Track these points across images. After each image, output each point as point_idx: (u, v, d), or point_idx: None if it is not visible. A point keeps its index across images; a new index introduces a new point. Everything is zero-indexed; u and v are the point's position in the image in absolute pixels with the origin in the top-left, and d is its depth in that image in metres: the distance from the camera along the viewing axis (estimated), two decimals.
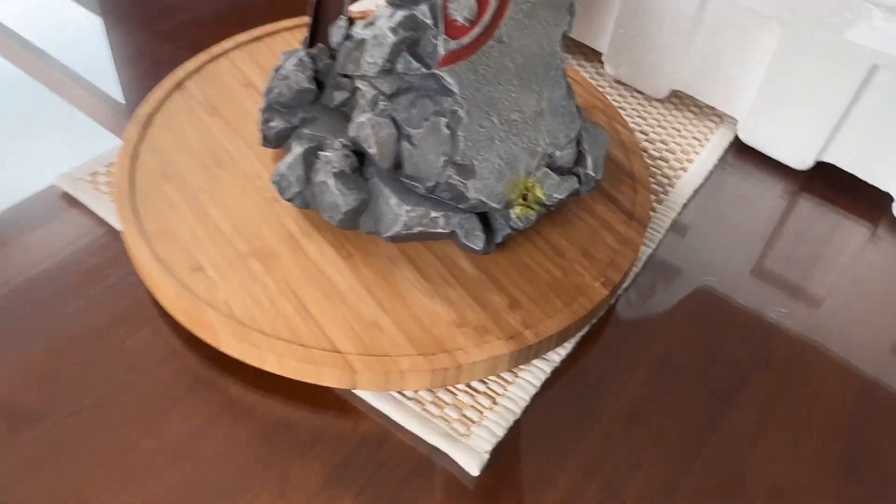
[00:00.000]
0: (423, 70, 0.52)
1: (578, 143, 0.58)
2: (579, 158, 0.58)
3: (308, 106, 0.61)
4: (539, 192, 0.56)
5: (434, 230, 0.55)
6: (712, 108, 0.78)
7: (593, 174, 0.58)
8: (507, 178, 0.54)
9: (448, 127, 0.53)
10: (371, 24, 0.54)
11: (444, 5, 0.52)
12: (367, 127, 0.55)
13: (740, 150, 0.75)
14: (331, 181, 0.56)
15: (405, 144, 0.55)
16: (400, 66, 0.53)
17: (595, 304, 0.55)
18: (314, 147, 0.58)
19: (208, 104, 0.66)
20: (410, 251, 0.57)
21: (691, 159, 0.72)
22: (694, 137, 0.75)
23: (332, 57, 0.60)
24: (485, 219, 0.56)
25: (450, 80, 0.52)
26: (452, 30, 0.53)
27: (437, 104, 0.53)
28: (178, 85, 0.68)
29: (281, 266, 0.55)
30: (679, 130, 0.75)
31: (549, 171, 0.56)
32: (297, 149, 0.58)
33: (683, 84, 0.77)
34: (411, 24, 0.52)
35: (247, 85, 0.69)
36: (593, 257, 0.58)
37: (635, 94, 0.79)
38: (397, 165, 0.56)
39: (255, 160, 0.62)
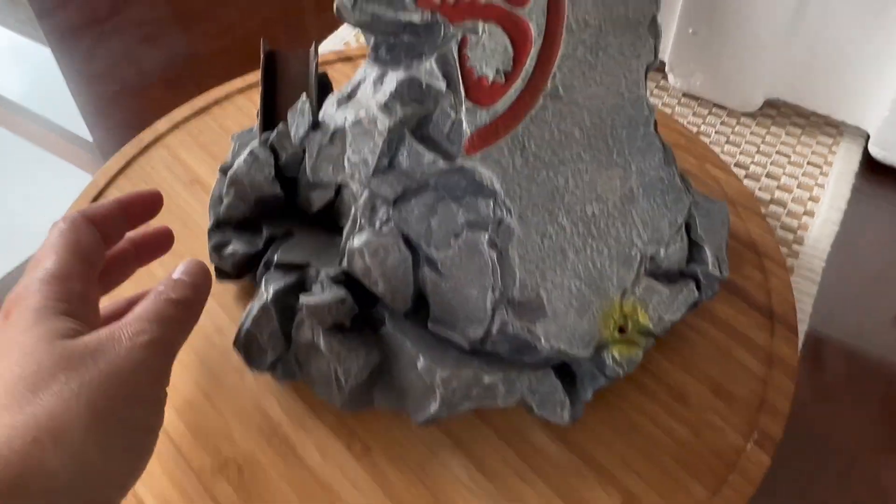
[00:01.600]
0: (443, 164, 0.33)
1: (688, 228, 0.38)
2: (693, 251, 0.38)
3: (275, 216, 0.42)
4: (643, 318, 0.36)
5: (490, 402, 0.35)
6: (823, 118, 0.58)
7: (717, 273, 0.38)
8: (593, 307, 0.35)
9: (493, 246, 0.33)
10: (349, 96, 0.35)
11: (461, 54, 0.32)
12: (364, 255, 0.35)
13: (874, 169, 0.55)
14: (322, 341, 0.36)
15: (428, 273, 0.35)
16: (404, 160, 0.33)
17: (756, 483, 0.35)
18: (291, 285, 0.39)
19: None
20: (458, 428, 0.38)
21: (816, 196, 0.52)
22: (810, 162, 0.55)
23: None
24: (565, 371, 0.36)
25: (487, 173, 0.33)
26: (479, 92, 0.33)
27: (471, 210, 0.34)
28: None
29: (263, 483, 0.35)
30: (788, 155, 0.55)
31: (654, 282, 0.36)
32: (267, 291, 0.38)
33: (783, 89, 0.57)
34: (413, 92, 0.33)
35: (191, 182, 0.50)
36: (731, 396, 0.38)
37: (715, 110, 0.59)
38: (419, 305, 0.37)
39: (213, 305, 0.43)
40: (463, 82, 0.32)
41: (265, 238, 0.41)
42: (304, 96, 0.34)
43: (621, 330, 0.36)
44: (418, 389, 0.36)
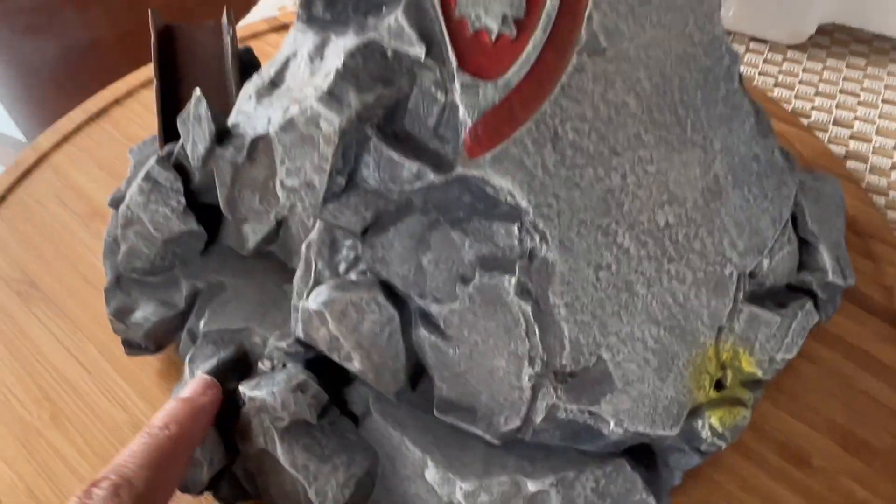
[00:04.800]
0: (433, 176, 0.20)
1: (794, 222, 0.26)
2: (803, 254, 0.26)
3: (197, 261, 0.30)
4: (748, 364, 0.25)
5: None
6: (891, 41, 0.46)
7: (840, 280, 0.26)
8: (678, 361, 0.23)
9: (524, 293, 0.21)
10: (273, 83, 0.22)
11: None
12: (326, 320, 0.23)
13: None
14: (279, 451, 0.24)
15: (426, 337, 0.23)
16: (370, 175, 0.21)
17: None
18: (227, 363, 0.27)
19: (20, 276, 0.35)
20: None
21: None
22: (885, 100, 0.43)
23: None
24: (641, 452, 0.25)
25: (503, 183, 0.21)
26: (479, 55, 0.21)
27: (484, 240, 0.22)
28: None
29: None
30: (856, 94, 0.43)
31: (758, 309, 0.25)
32: (192, 376, 0.26)
33: (838, 11, 0.45)
34: (373, 66, 0.20)
35: (90, 216, 0.37)
36: (868, 448, 0.27)
37: (754, 45, 0.47)
38: (417, 376, 0.25)
39: (128, 392, 0.31)
40: (451, 43, 0.20)
41: (186, 294, 0.29)
42: (196, 92, 0.22)
43: (718, 385, 0.25)
44: None
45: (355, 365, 0.24)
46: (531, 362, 0.22)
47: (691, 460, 0.25)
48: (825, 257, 0.26)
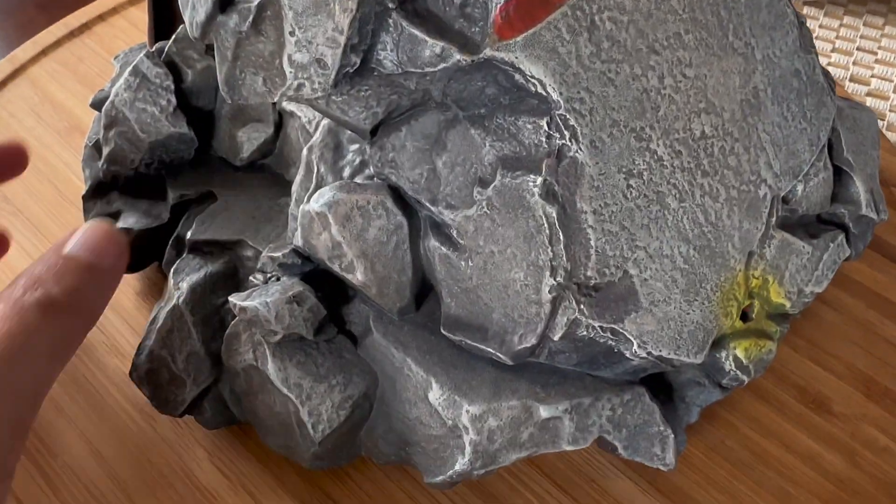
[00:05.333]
0: (458, 56, 0.19)
1: (829, 149, 0.25)
2: (836, 184, 0.25)
3: (186, 171, 0.27)
4: (776, 295, 0.23)
5: (551, 446, 0.22)
6: None
7: (873, 213, 0.25)
8: (707, 284, 0.21)
9: (550, 196, 0.20)
10: None
11: None
12: (329, 224, 0.21)
13: None
14: (270, 368, 0.23)
15: (436, 248, 0.21)
16: (387, 57, 0.19)
17: None
18: (216, 277, 0.25)
19: None
20: (496, 480, 0.24)
21: None
22: None
23: (210, 49, 0.26)
24: (658, 383, 0.23)
25: (535, 70, 0.19)
26: None
27: (507, 139, 0.20)
28: None
29: None
30: (873, 52, 0.42)
31: (790, 237, 0.23)
32: (178, 287, 0.24)
33: None
34: None
35: (69, 130, 0.35)
36: (892, 395, 0.26)
37: None
38: (423, 297, 0.23)
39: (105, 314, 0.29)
40: None
41: (172, 204, 0.27)
42: None
43: (744, 317, 0.23)
44: (432, 434, 0.22)
45: (357, 276, 0.22)
46: (553, 272, 0.20)
47: (711, 395, 0.23)
48: (860, 189, 0.24)
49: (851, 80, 0.41)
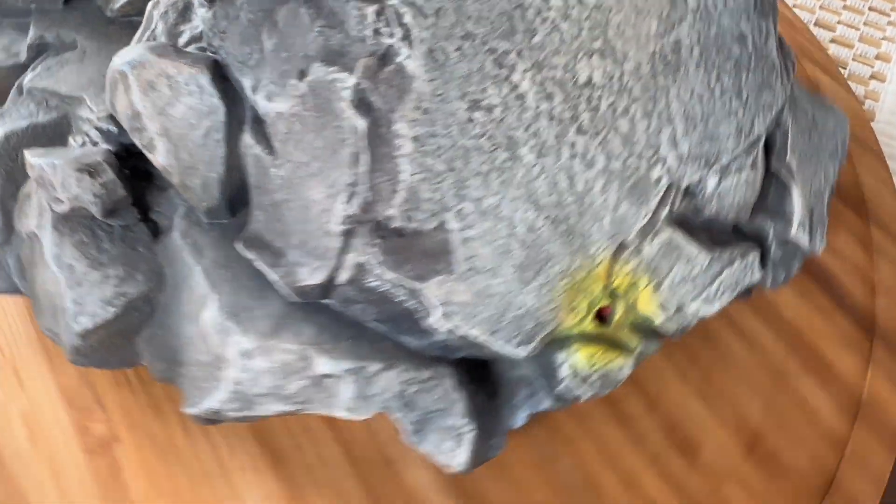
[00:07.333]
0: None
1: (768, 146, 0.20)
2: (769, 191, 0.20)
3: (57, 12, 0.24)
4: (646, 303, 0.19)
5: (323, 407, 0.19)
6: None
7: (805, 240, 0.20)
8: (554, 265, 0.17)
9: (362, 106, 0.16)
10: None
11: None
12: (130, 86, 0.18)
13: None
14: (47, 240, 0.20)
15: (251, 146, 0.18)
16: None
17: None
18: (38, 129, 0.22)
19: None
20: (278, 432, 0.21)
21: (885, 53, 0.35)
22: (872, 7, 0.37)
23: None
24: (480, 370, 0.20)
25: None
26: None
27: (336, 25, 0.16)
28: None
29: None
30: (886, 13, 0.37)
31: (684, 237, 0.19)
32: None
33: None
34: None
35: None
36: (777, 462, 0.21)
37: None
38: (240, 203, 0.20)
39: None
40: None
41: (31, 43, 0.24)
42: None
43: (601, 317, 0.19)
44: (200, 359, 0.19)
45: (158, 158, 0.19)
46: (349, 200, 0.16)
47: (539, 403, 0.19)
48: (795, 205, 0.20)
49: (861, 40, 0.35)
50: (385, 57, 0.16)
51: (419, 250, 0.17)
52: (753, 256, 0.19)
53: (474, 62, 0.16)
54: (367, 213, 0.16)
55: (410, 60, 0.16)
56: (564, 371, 0.19)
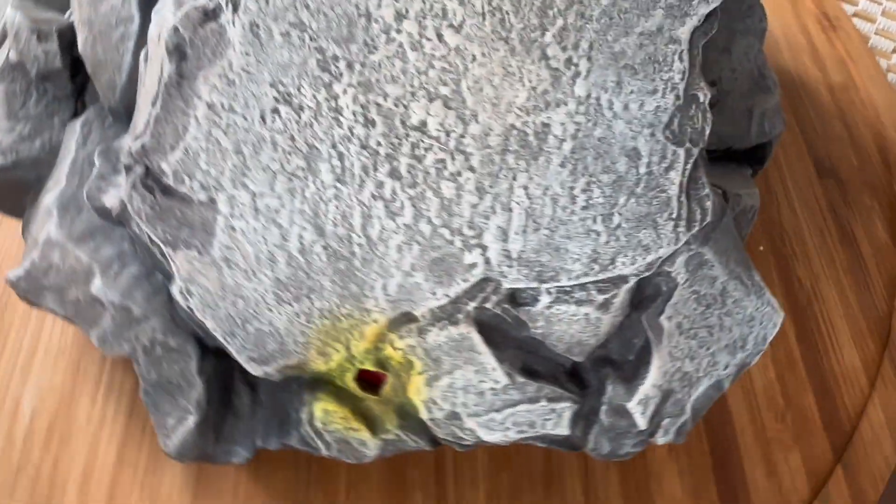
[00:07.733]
0: None
1: (642, 298, 0.16)
2: (632, 348, 0.16)
3: None
4: (416, 393, 0.16)
5: (89, 327, 0.18)
6: None
7: (640, 422, 0.16)
8: (315, 299, 0.16)
9: (177, 50, 0.15)
10: None
11: None
12: None
13: None
14: None
15: (141, 56, 0.18)
16: None
17: None
18: None
19: None
20: None
21: None
22: None
23: None
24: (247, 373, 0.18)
25: None
26: None
27: None
28: None
29: None
30: None
31: (480, 344, 0.16)
32: None
33: None
34: None
35: None
36: None
37: None
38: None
39: None
40: None
41: None
42: None
43: (370, 383, 0.17)
44: (31, 228, 0.20)
45: (79, 42, 0.20)
46: (134, 132, 0.16)
47: (289, 436, 0.18)
48: (650, 375, 0.16)
49: (883, 14, 0.28)
50: (210, 13, 0.15)
51: (180, 217, 0.16)
52: (565, 408, 0.16)
53: (297, 54, 0.15)
54: (142, 157, 0.16)
55: (231, 27, 0.15)
56: (303, 414, 0.17)
